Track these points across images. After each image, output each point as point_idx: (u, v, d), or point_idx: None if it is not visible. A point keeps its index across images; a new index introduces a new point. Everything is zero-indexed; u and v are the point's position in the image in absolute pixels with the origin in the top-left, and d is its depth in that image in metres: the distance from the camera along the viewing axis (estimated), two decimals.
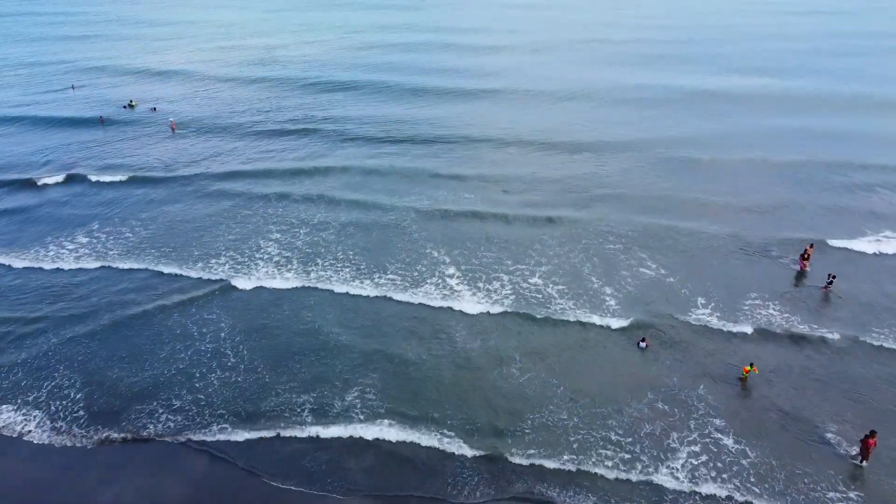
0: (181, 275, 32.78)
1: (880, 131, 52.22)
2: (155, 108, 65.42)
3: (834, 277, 31.63)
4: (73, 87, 75.68)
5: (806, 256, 33.34)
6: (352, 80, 69.11)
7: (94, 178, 45.18)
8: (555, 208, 38.69)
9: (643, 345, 27.17)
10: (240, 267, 33.24)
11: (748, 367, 25.34)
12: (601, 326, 27.99)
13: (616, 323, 27.95)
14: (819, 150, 47.82)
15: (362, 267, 32.86)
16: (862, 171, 43.70)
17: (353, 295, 30.53)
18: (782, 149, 48.18)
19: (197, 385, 24.74)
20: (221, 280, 32.19)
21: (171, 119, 60.23)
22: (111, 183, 44.22)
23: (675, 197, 40.20)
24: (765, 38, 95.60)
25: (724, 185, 42.18)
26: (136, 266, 33.61)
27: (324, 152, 49.02)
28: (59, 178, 45.82)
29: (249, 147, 50.72)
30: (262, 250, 34.74)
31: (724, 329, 28.12)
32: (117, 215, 39.49)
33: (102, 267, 33.60)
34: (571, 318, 28.43)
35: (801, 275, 33.07)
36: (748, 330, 28.02)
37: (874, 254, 34.65)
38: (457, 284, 30.96)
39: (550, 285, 30.75)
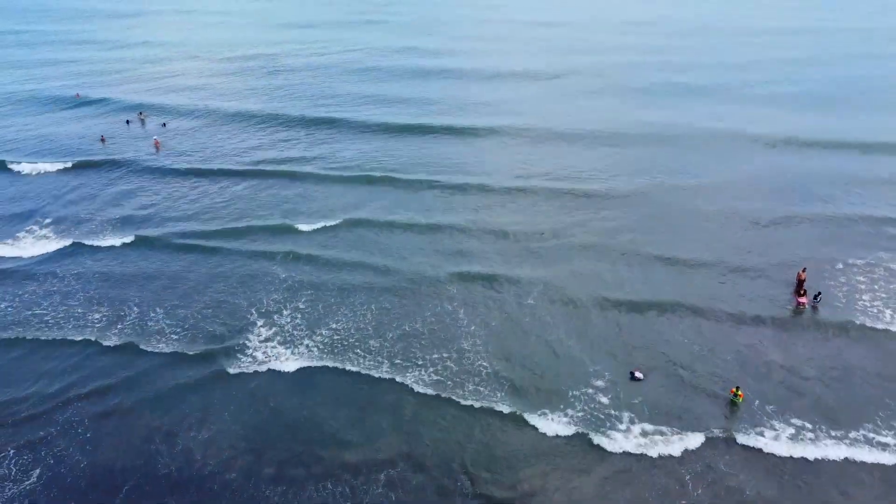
0: (156, 351, 32.25)
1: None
2: (165, 124, 68.75)
3: (819, 294, 35.31)
4: (77, 96, 78.23)
5: (802, 291, 35.47)
6: (347, 115, 69.79)
7: (68, 237, 44.46)
8: (565, 262, 40.05)
9: (638, 375, 29.54)
10: (229, 345, 32.57)
11: (735, 389, 28.24)
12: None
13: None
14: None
15: (370, 343, 32.64)
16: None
17: (351, 372, 30.68)
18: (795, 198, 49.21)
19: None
20: (209, 358, 31.65)
21: (154, 137, 63.11)
22: (86, 244, 43.35)
23: (677, 247, 41.53)
24: (793, 63, 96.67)
25: (725, 236, 43.99)
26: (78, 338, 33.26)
27: (315, 199, 49.27)
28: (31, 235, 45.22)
29: (240, 191, 51.10)
30: (256, 323, 34.31)
31: (717, 376, 30.37)
32: (79, 276, 39.51)
33: (57, 340, 33.25)
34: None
35: (798, 312, 35.08)
36: (739, 375, 30.24)
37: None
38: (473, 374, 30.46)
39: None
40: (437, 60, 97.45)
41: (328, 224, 44.76)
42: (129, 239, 43.49)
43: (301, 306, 35.66)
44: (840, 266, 39.01)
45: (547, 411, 28.08)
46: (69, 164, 56.63)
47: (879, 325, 33.46)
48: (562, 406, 28.37)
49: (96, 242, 43.37)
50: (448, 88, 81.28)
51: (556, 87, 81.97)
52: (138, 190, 51.75)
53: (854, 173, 52.68)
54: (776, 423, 27.26)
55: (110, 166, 56.38)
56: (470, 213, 46.33)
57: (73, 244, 43.11)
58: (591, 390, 29.23)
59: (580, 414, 27.90)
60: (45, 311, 36.00)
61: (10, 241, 44.19)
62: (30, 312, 35.99)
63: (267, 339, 32.95)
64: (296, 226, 44.65)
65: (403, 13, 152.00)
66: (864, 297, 35.84)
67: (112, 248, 42.73)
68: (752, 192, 49.20)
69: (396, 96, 77.25)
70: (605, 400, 28.59)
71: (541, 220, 45.10)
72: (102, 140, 63.56)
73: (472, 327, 33.63)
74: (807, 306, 35.06)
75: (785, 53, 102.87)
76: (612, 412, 27.94)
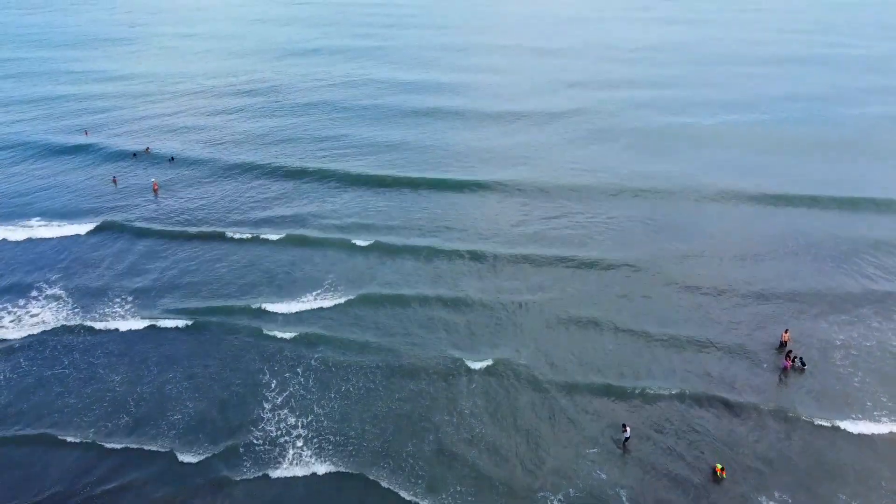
0: (162, 450, 33.45)
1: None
2: (173, 158, 73.91)
3: (798, 358, 39.23)
4: (86, 133, 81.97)
5: (789, 355, 39.27)
6: (348, 166, 71.44)
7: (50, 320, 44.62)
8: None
9: (626, 434, 33.69)
10: (235, 443, 33.89)
11: (718, 468, 31.70)
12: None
13: None
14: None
15: (369, 441, 34.26)
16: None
17: (350, 475, 32.20)
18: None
19: None
20: (213, 461, 32.83)
21: (152, 180, 67.09)
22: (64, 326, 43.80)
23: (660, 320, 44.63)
24: (801, 100, 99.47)
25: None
26: (77, 439, 34.28)
27: (318, 269, 50.74)
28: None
29: (243, 258, 52.50)
30: (262, 417, 35.70)
31: (701, 451, 34.04)
32: (78, 362, 40.45)
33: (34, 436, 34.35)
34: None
35: (785, 375, 38.99)
36: (722, 449, 33.93)
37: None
38: None
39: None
40: (438, 98, 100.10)
41: (337, 302, 46.23)
42: (131, 320, 44.43)
43: (305, 398, 37.34)
44: (824, 325, 43.16)
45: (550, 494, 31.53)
46: (82, 229, 57.50)
47: (855, 400, 37.03)
48: (563, 486, 31.73)
49: (96, 324, 44.06)
50: (449, 132, 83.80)
51: (558, 129, 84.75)
52: (141, 258, 52.95)
53: (853, 234, 55.66)
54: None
55: (116, 231, 57.43)
56: (472, 282, 48.54)
57: (74, 325, 43.92)
58: (587, 465, 32.71)
59: (581, 495, 31.20)
60: (43, 404, 37.08)
61: (7, 317, 45.21)
62: (27, 405, 37.08)
63: (273, 436, 34.64)
64: (300, 304, 46.15)
65: (402, 37, 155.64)
66: (837, 359, 40.08)
67: (113, 330, 43.52)
68: (748, 257, 52.22)
69: (398, 141, 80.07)
70: (603, 476, 32.07)
71: (535, 292, 47.37)
72: (114, 181, 67.89)
73: (472, 415, 36.24)
74: (790, 369, 38.88)
75: (792, 88, 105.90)
76: (609, 491, 31.31)
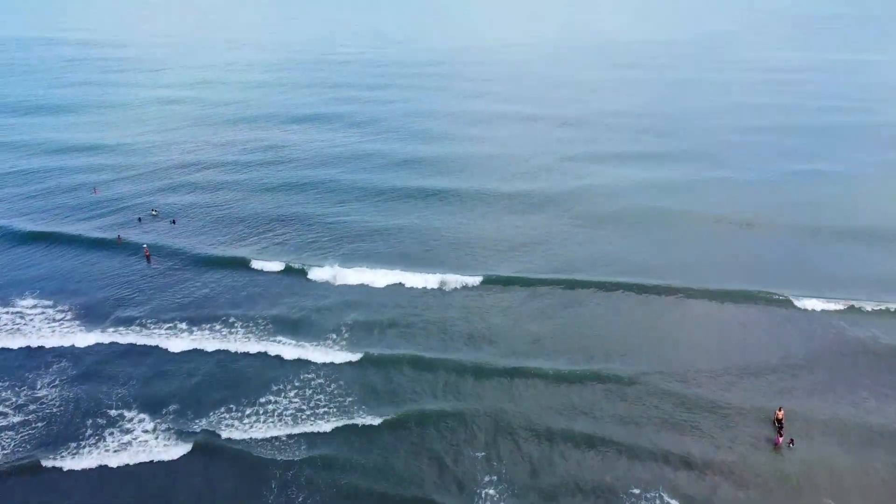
0: None
1: None
2: (174, 221, 79.84)
3: (792, 441, 42.23)
4: (94, 191, 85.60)
5: (780, 431, 42.50)
6: (341, 257, 73.53)
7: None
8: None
9: None
10: None
11: None
12: None
13: None
14: None
15: None
16: None
17: None
18: None
19: None
20: None
21: (144, 245, 71.53)
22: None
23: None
24: (787, 157, 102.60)
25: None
26: None
27: (299, 383, 52.15)
28: None
29: (242, 369, 53.86)
30: None
31: None
32: None
33: None
34: None
35: (776, 451, 42.38)
36: None
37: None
38: None
39: None
40: (431, 176, 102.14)
41: (323, 429, 47.18)
42: (125, 448, 45.21)
43: None
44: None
45: None
46: (79, 339, 58.31)
47: None
48: None
49: (62, 464, 43.77)
50: (441, 217, 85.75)
51: (554, 214, 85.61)
52: (132, 367, 54.11)
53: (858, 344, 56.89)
54: None
55: (103, 352, 56.78)
56: (464, 395, 50.83)
57: (36, 462, 43.87)
58: None
59: None
60: None
61: None
62: None
63: None
64: (295, 426, 47.36)
65: (397, 100, 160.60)
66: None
67: (77, 470, 43.38)
68: (748, 368, 53.60)
69: (388, 227, 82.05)
70: None
71: (529, 408, 49.24)
72: (118, 241, 74.37)
73: None
74: (782, 445, 42.36)
75: (808, 162, 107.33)
76: None
